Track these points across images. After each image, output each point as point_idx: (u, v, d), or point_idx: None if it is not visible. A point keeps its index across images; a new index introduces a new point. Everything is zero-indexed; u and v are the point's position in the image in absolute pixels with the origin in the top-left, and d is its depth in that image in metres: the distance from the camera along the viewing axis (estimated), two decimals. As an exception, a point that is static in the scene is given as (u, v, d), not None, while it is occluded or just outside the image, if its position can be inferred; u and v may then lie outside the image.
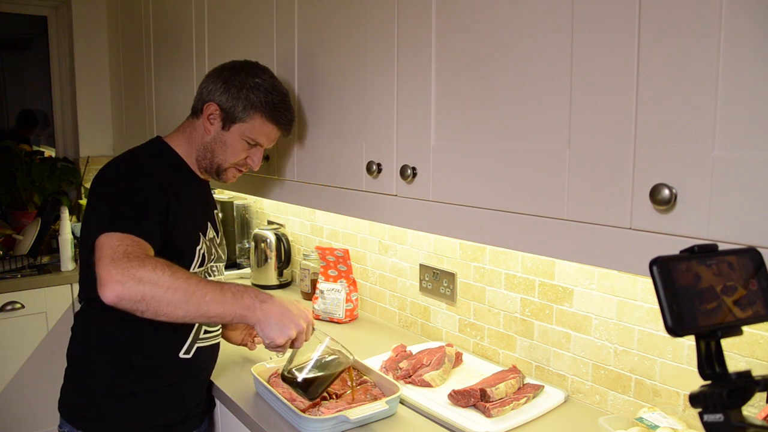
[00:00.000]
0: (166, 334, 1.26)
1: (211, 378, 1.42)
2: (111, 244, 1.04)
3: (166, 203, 1.20)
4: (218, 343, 1.40)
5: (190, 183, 1.34)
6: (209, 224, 1.37)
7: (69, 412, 1.32)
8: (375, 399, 1.27)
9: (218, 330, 1.39)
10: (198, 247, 1.30)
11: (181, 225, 1.24)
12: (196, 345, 1.31)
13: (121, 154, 1.29)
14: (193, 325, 1.29)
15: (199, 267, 1.30)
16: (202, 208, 1.38)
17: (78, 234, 2.78)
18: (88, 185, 3.04)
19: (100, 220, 1.10)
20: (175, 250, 1.22)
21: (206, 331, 1.33)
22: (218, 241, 1.41)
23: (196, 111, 1.32)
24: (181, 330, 1.28)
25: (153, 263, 1.02)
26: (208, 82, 1.31)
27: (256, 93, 1.27)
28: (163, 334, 1.25)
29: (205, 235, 1.33)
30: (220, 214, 1.47)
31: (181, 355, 1.29)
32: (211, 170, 1.34)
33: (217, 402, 1.46)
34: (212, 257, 1.36)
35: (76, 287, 2.51)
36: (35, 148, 3.21)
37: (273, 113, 1.29)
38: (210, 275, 1.36)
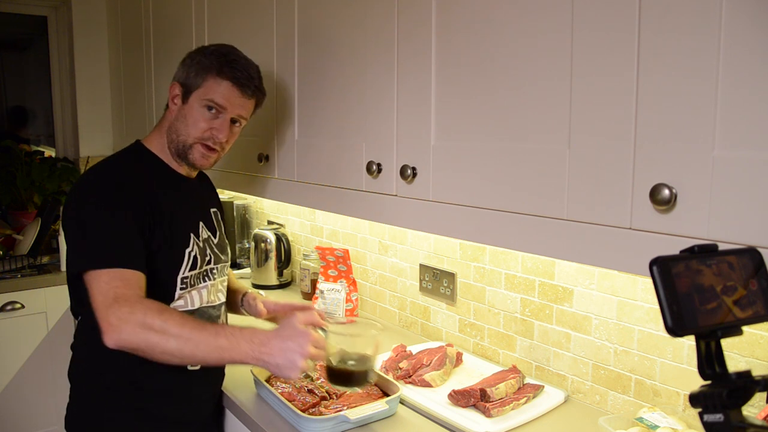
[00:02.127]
0: None
1: (211, 378, 1.42)
2: (100, 287, 1.06)
3: (145, 214, 1.16)
4: None
5: (173, 184, 1.28)
6: (202, 224, 1.32)
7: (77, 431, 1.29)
8: (375, 399, 1.27)
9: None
10: (188, 250, 1.25)
11: (166, 230, 1.20)
12: None
13: (96, 164, 1.24)
14: None
15: (191, 270, 1.25)
16: (191, 208, 1.32)
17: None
18: (88, 185, 3.05)
19: (80, 251, 1.13)
20: (161, 256, 1.19)
21: None
22: (215, 241, 1.36)
23: (167, 103, 1.30)
24: None
25: (144, 310, 1.03)
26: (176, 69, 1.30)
27: (208, 56, 1.24)
28: None
29: (198, 236, 1.29)
30: (218, 213, 1.42)
31: (189, 367, 1.24)
32: (180, 153, 1.27)
33: (217, 402, 1.46)
34: (207, 258, 1.30)
35: (77, 287, 2.51)
36: (35, 148, 3.20)
37: (223, 68, 1.22)
38: (209, 278, 1.31)
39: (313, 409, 1.24)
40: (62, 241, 2.50)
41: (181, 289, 1.24)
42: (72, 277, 1.21)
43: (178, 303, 1.23)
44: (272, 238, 2.26)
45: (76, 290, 1.21)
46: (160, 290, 1.19)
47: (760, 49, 0.67)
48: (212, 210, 1.39)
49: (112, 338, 1.02)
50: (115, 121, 3.09)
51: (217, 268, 1.35)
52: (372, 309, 1.98)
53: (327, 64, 1.39)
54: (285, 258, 2.28)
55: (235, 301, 1.47)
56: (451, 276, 1.63)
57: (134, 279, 1.10)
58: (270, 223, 2.48)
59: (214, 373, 1.34)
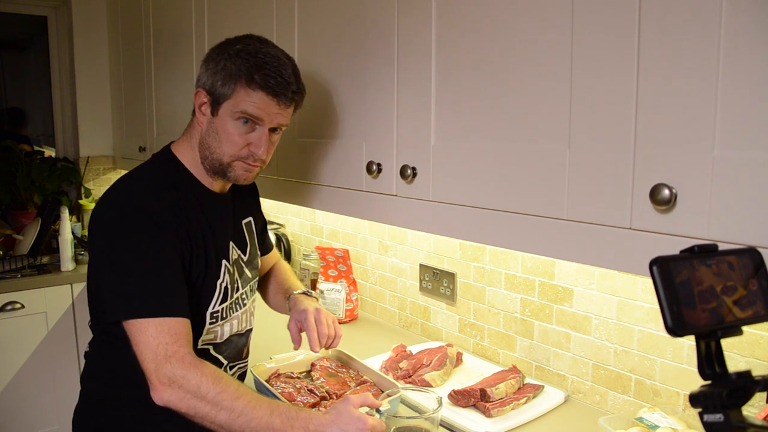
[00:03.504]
0: None
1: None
2: (148, 342, 0.99)
3: (182, 244, 1.07)
4: (244, 374, 1.31)
5: (207, 204, 1.16)
6: (232, 244, 1.21)
7: None
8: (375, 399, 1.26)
9: (244, 363, 1.30)
10: (219, 281, 1.15)
11: (200, 260, 1.11)
12: None
13: (125, 180, 1.13)
14: (218, 363, 1.19)
15: (221, 303, 1.16)
16: (223, 228, 1.20)
17: (78, 234, 2.78)
18: (88, 185, 3.05)
19: (118, 296, 1.02)
20: (192, 291, 1.10)
21: (231, 366, 1.24)
22: (246, 258, 1.25)
23: (193, 110, 1.16)
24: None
25: (199, 377, 0.97)
26: (200, 72, 1.13)
27: (235, 60, 1.07)
28: None
29: (228, 260, 1.19)
30: (252, 222, 1.30)
31: None
32: (216, 171, 1.14)
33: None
34: (236, 285, 1.21)
35: (77, 287, 2.51)
36: (36, 148, 3.20)
37: (254, 76, 1.06)
38: (240, 306, 1.23)
39: (313, 409, 1.24)
40: (62, 242, 2.50)
41: (211, 323, 1.16)
42: (95, 295, 1.15)
43: (208, 337, 1.16)
44: (272, 238, 2.26)
45: (98, 307, 1.15)
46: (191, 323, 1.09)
47: (760, 49, 0.67)
48: (244, 221, 1.28)
49: (161, 398, 0.98)
50: (115, 121, 3.09)
51: (245, 291, 1.26)
52: (372, 309, 1.98)
53: (327, 64, 1.39)
54: (285, 258, 2.28)
55: (279, 300, 1.40)
56: (451, 276, 1.63)
57: (183, 330, 1.02)
58: (270, 223, 2.48)
59: None
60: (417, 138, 1.14)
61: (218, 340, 1.20)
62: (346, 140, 1.33)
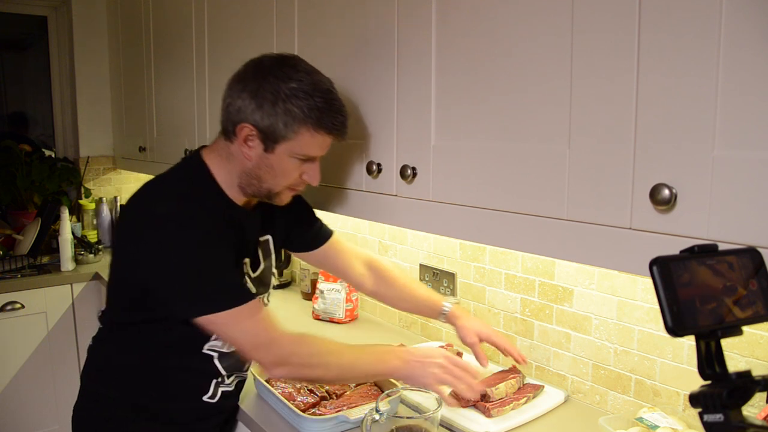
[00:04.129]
0: (190, 380, 1.19)
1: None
2: (245, 330, 1.05)
3: (227, 250, 1.10)
4: (243, 381, 1.31)
5: (232, 219, 1.15)
6: (248, 261, 1.21)
7: None
8: (375, 399, 1.26)
9: (244, 374, 1.30)
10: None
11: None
12: (221, 389, 1.22)
13: (158, 187, 1.13)
14: (218, 374, 1.20)
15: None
16: (243, 244, 1.20)
17: (78, 234, 2.78)
18: (88, 185, 3.05)
19: (188, 297, 1.04)
20: None
21: (229, 376, 1.23)
22: (253, 274, 1.24)
23: (228, 133, 1.10)
24: (205, 376, 1.20)
25: (306, 348, 1.09)
26: (234, 97, 1.07)
27: (296, 102, 1.03)
28: (186, 381, 1.19)
29: (242, 275, 1.20)
30: (270, 240, 1.30)
31: (205, 399, 1.20)
32: (261, 196, 1.15)
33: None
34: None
35: (77, 287, 2.51)
36: (44, 151, 3.18)
37: (321, 120, 1.06)
38: None
39: (313, 409, 1.24)
40: (63, 242, 2.50)
41: None
42: (117, 284, 1.16)
43: (216, 343, 1.17)
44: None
45: (120, 300, 1.17)
46: (196, 331, 1.09)
47: (760, 49, 0.67)
48: (261, 239, 1.27)
49: (276, 376, 1.09)
50: (115, 121, 3.09)
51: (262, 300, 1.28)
52: (372, 309, 1.98)
53: (327, 64, 1.39)
54: (285, 258, 2.28)
55: (429, 313, 1.42)
56: (451, 276, 1.63)
57: (263, 311, 1.08)
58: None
59: (228, 400, 1.27)
60: (417, 138, 1.14)
61: (224, 350, 1.19)
62: (346, 140, 1.33)
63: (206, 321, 1.04)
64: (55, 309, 2.47)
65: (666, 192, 0.74)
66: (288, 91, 1.04)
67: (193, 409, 1.21)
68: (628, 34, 0.78)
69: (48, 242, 2.69)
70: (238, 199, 1.16)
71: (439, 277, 1.67)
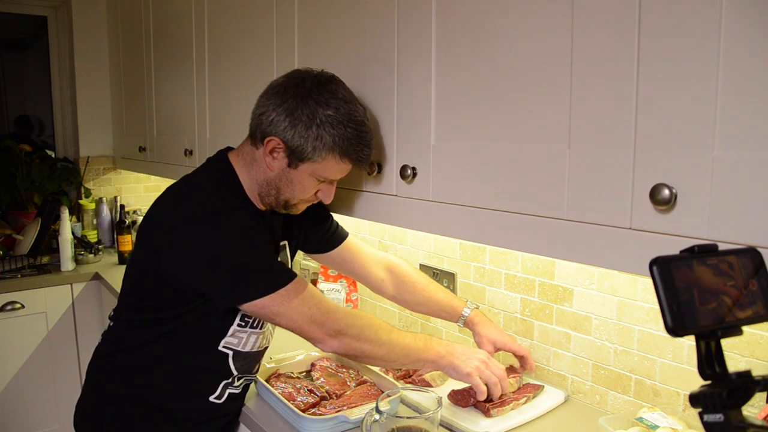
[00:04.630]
0: (200, 379, 1.20)
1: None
2: (297, 308, 1.09)
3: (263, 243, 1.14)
4: (249, 384, 1.32)
5: (257, 222, 1.18)
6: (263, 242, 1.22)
7: None
8: (375, 399, 1.26)
9: (252, 377, 1.31)
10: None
11: None
12: (228, 391, 1.24)
13: (192, 187, 1.17)
14: (229, 374, 1.22)
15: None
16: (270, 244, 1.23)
17: (78, 234, 2.78)
18: (88, 185, 3.05)
19: (240, 285, 1.07)
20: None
21: (239, 378, 1.25)
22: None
23: (255, 139, 1.14)
24: (216, 376, 1.21)
25: (359, 322, 1.13)
26: (269, 108, 1.10)
27: (329, 129, 1.07)
28: (196, 380, 1.20)
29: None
30: (287, 245, 1.33)
31: (212, 399, 1.22)
32: (277, 206, 1.19)
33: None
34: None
35: (77, 287, 2.51)
36: (47, 152, 3.18)
37: (348, 151, 1.10)
38: (263, 325, 1.24)
39: (313, 409, 1.24)
40: (63, 242, 2.50)
41: (239, 326, 1.18)
42: (144, 286, 1.17)
43: (232, 340, 1.19)
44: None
45: (135, 296, 1.19)
46: (218, 321, 1.16)
47: (760, 49, 0.67)
48: (281, 243, 1.30)
49: (331, 348, 1.12)
50: (115, 121, 3.09)
51: None
52: (372, 309, 1.98)
53: (327, 64, 1.39)
54: (285, 258, 2.27)
55: (448, 318, 1.43)
56: (451, 276, 1.63)
57: (310, 288, 1.12)
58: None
59: (234, 401, 1.28)
60: (417, 138, 1.14)
61: (240, 348, 1.20)
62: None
63: (257, 306, 1.08)
64: (55, 309, 2.47)
65: (666, 192, 0.74)
66: (324, 118, 1.08)
67: (199, 409, 1.22)
68: (629, 33, 0.78)
69: (48, 242, 2.69)
70: (259, 205, 1.21)
71: (439, 277, 1.67)
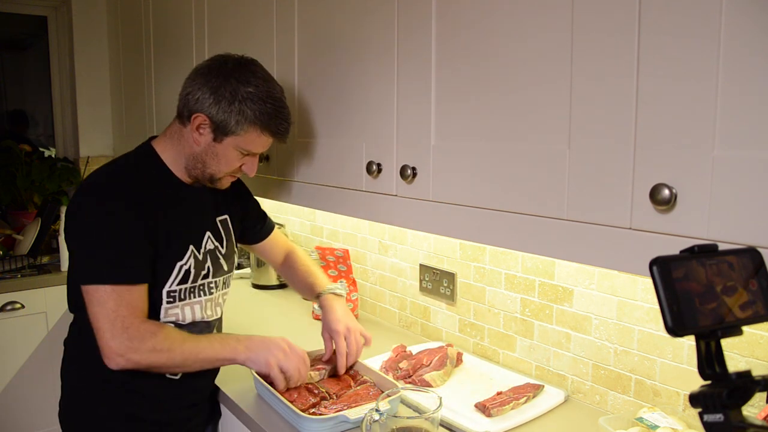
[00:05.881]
0: None
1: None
2: (106, 312, 1.10)
3: (147, 226, 1.16)
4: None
5: (179, 195, 1.26)
6: (209, 234, 1.30)
7: (71, 428, 1.36)
8: (375, 399, 1.26)
9: None
10: (180, 263, 1.23)
11: (163, 242, 1.19)
12: None
13: (104, 166, 1.24)
14: None
15: (180, 284, 1.23)
16: (199, 218, 1.29)
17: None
18: (88, 185, 3.04)
19: (83, 262, 1.15)
20: (153, 269, 1.19)
21: None
22: (223, 251, 1.33)
23: (183, 118, 1.23)
24: None
25: (152, 340, 1.12)
26: (194, 87, 1.19)
27: (250, 104, 1.16)
28: None
29: (199, 248, 1.27)
30: (228, 219, 1.38)
31: (167, 376, 1.25)
32: (203, 179, 1.26)
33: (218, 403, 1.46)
34: (204, 272, 1.28)
35: (76, 287, 2.51)
36: (43, 151, 3.18)
37: (268, 124, 1.19)
38: (205, 293, 1.29)
39: (313, 409, 1.24)
40: (62, 242, 2.50)
41: (168, 302, 1.22)
42: (72, 279, 1.22)
43: (169, 318, 1.23)
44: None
45: (74, 291, 1.21)
46: (150, 300, 1.19)
47: (760, 49, 0.67)
48: (219, 218, 1.35)
49: (117, 363, 1.11)
50: (115, 121, 3.09)
51: (216, 281, 1.32)
52: (372, 309, 1.98)
53: (327, 63, 1.39)
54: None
55: (305, 293, 1.53)
56: (451, 276, 1.63)
57: (140, 299, 1.14)
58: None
59: (201, 380, 1.32)
60: (417, 138, 1.14)
61: (181, 322, 1.25)
62: (346, 140, 1.33)
63: (85, 290, 1.13)
64: (55, 309, 2.47)
65: (666, 192, 0.74)
66: (245, 94, 1.17)
67: (159, 385, 1.25)
68: (629, 33, 0.78)
69: (48, 242, 2.69)
70: (186, 179, 1.27)
71: (439, 277, 1.67)
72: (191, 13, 2.02)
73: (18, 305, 2.37)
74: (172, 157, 1.26)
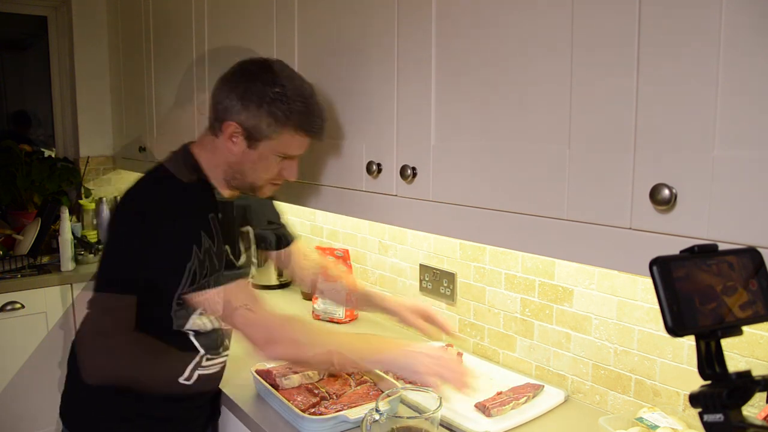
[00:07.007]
0: (168, 360, 1.23)
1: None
2: (229, 309, 1.12)
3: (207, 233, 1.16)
4: (222, 368, 1.35)
5: (217, 206, 1.21)
6: (227, 248, 1.22)
7: (71, 423, 1.35)
8: (375, 399, 1.26)
9: (223, 357, 1.33)
10: (189, 264, 1.17)
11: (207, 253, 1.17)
12: (197, 372, 1.26)
13: (152, 181, 1.20)
14: (196, 353, 1.25)
15: (189, 286, 1.17)
16: (226, 231, 1.24)
17: (78, 234, 2.78)
18: (88, 185, 3.05)
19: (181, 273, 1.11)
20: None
21: (209, 359, 1.27)
22: (237, 263, 1.27)
23: (214, 129, 1.19)
24: (183, 357, 1.24)
25: (288, 330, 1.15)
26: (221, 96, 1.16)
27: (279, 105, 1.12)
28: (164, 360, 1.23)
29: (200, 247, 1.23)
30: (249, 231, 1.37)
31: (181, 380, 1.24)
32: (244, 189, 1.23)
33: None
34: (205, 272, 1.22)
35: (77, 287, 2.50)
36: (44, 151, 3.19)
37: (301, 124, 1.15)
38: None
39: (313, 409, 1.24)
40: (63, 242, 2.50)
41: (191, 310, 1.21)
42: (111, 276, 1.22)
43: (192, 328, 1.22)
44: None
45: (111, 287, 1.22)
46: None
47: (760, 48, 0.67)
48: (243, 230, 1.33)
49: (266, 353, 1.14)
50: (115, 121, 3.09)
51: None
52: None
53: (327, 64, 1.39)
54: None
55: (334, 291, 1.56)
56: (451, 276, 1.63)
57: (252, 289, 1.17)
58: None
59: (205, 385, 1.31)
60: (417, 138, 1.14)
61: (202, 330, 1.24)
62: (346, 140, 1.33)
63: (196, 297, 1.12)
64: (55, 309, 2.47)
65: (666, 192, 0.74)
66: (273, 95, 1.12)
67: (171, 390, 1.24)
68: (629, 33, 0.78)
69: (48, 242, 2.69)
70: (223, 190, 1.24)
71: (439, 277, 1.67)
72: (191, 13, 2.02)
73: (18, 305, 2.37)
74: (210, 168, 1.22)
